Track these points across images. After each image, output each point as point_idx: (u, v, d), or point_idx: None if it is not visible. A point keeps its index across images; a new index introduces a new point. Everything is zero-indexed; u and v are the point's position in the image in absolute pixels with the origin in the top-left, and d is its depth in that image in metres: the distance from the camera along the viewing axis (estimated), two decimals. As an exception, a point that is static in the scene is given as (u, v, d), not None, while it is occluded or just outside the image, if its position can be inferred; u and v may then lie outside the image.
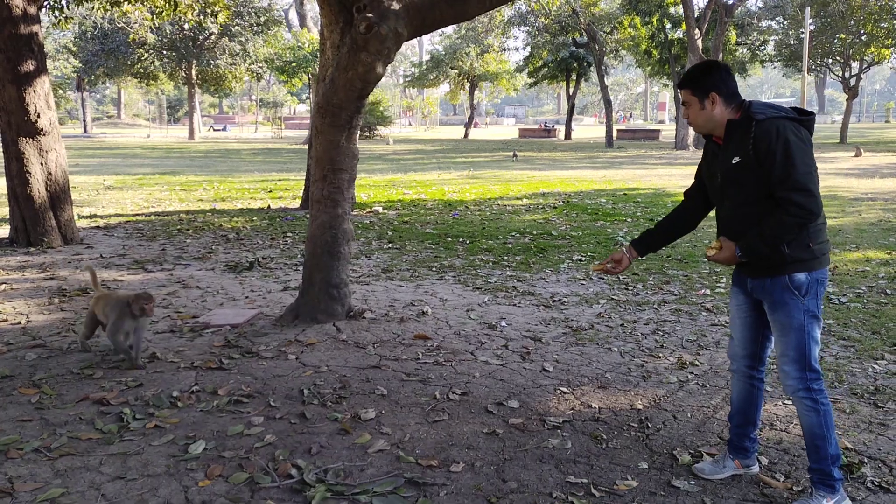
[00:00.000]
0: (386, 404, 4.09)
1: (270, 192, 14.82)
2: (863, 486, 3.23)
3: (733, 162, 2.94)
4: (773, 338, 3.23)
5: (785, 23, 40.31)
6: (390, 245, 9.18)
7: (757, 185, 2.90)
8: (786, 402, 4.20)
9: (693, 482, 3.28)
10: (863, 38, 33.79)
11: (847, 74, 37.66)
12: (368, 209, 12.32)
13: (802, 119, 2.90)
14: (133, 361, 4.59)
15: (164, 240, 9.39)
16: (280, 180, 17.58)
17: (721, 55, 32.40)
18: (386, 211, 12.27)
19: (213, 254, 8.51)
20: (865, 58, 35.56)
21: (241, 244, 9.18)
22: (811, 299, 2.95)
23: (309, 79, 38.04)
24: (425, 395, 4.23)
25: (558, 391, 4.36)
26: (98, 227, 10.34)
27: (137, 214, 11.63)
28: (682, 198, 3.51)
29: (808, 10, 28.61)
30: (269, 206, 12.62)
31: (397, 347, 5.10)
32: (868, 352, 5.08)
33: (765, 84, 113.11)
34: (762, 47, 42.20)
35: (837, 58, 37.35)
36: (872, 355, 5.01)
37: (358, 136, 5.33)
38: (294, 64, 40.37)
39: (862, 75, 38.22)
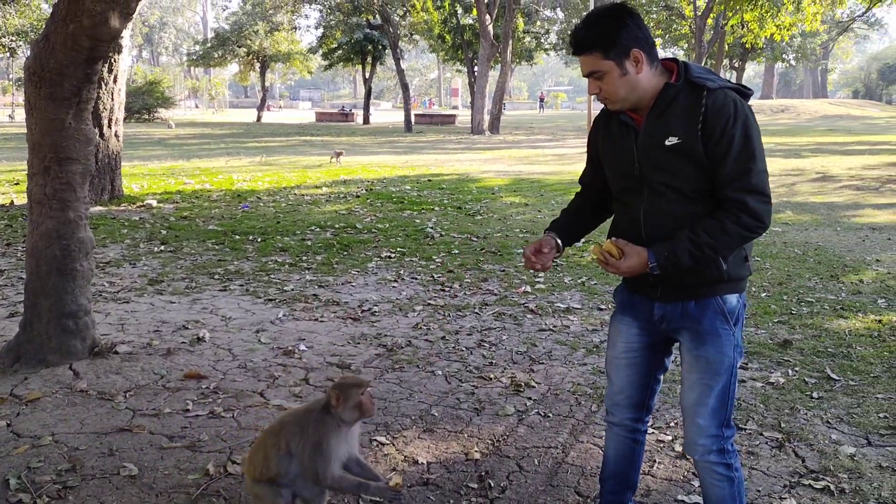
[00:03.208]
0: (134, 492, 2.90)
1: (17, 184, 12.41)
2: (760, 552, 2.60)
3: (667, 143, 2.10)
4: (661, 379, 2.48)
5: (567, 12, 42.17)
6: (163, 247, 7.69)
7: (700, 174, 2.10)
8: (641, 430, 3.55)
9: (559, 572, 2.48)
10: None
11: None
12: (139, 203, 10.56)
13: (747, 94, 2.15)
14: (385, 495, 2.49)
15: None
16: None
17: (511, 42, 33.05)
18: (161, 204, 10.59)
19: (-83, 269, 6.57)
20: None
21: (-37, 253, 7.25)
22: (739, 330, 2.22)
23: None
24: (193, 471, 3.08)
25: (375, 442, 3.40)
26: None
27: None
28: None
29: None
30: (11, 202, 10.45)
31: (159, 395, 3.86)
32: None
33: (546, 73, 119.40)
34: (546, 36, 43.86)
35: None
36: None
37: (90, 113, 3.97)
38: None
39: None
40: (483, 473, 3.13)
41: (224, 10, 63.54)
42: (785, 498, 2.96)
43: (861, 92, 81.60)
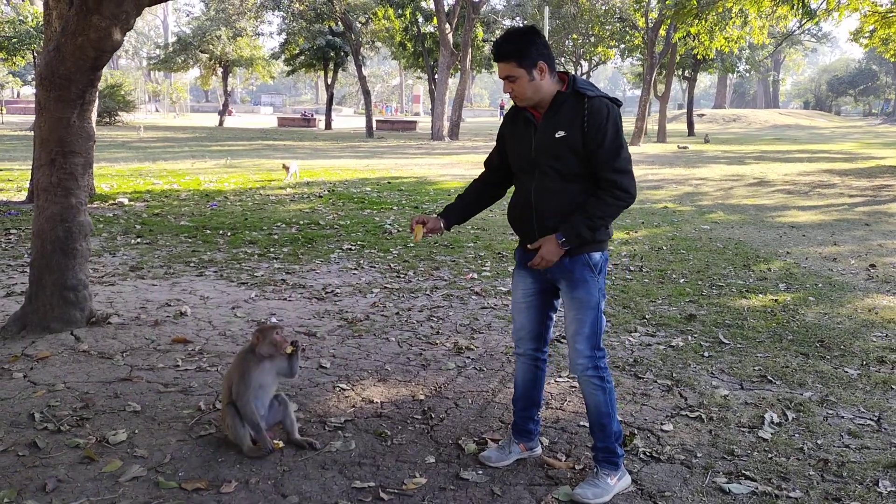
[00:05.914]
0: (140, 422, 3.55)
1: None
2: (636, 457, 3.35)
3: (556, 136, 2.83)
4: (553, 317, 3.22)
5: (524, 22, 43.26)
6: (139, 240, 8.26)
7: (576, 161, 2.83)
8: (558, 379, 4.30)
9: (481, 472, 3.19)
10: (591, 39, 37.26)
11: (579, 72, 41.39)
12: (111, 201, 11.07)
13: (618, 104, 2.89)
14: (264, 443, 3.23)
15: None
16: (1, 170, 15.31)
17: (470, 50, 33.94)
18: (132, 202, 11.12)
19: None
20: (594, 57, 39.28)
21: (-50, 244, 7.73)
22: (603, 278, 2.97)
23: (34, 57, 33.70)
24: (188, 407, 3.74)
25: (337, 388, 4.09)
26: None
27: None
28: (480, 171, 3.31)
29: (546, 10, 30.89)
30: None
31: (152, 355, 4.50)
32: (623, 325, 5.41)
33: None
34: (506, 45, 44.86)
35: (570, 57, 40.92)
36: (627, 328, 5.35)
37: (93, 114, 4.61)
38: (15, 40, 35.54)
39: (591, 73, 42.23)
40: (426, 409, 3.84)
41: (187, 15, 63.28)
42: (665, 423, 3.72)
43: (812, 103, 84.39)
